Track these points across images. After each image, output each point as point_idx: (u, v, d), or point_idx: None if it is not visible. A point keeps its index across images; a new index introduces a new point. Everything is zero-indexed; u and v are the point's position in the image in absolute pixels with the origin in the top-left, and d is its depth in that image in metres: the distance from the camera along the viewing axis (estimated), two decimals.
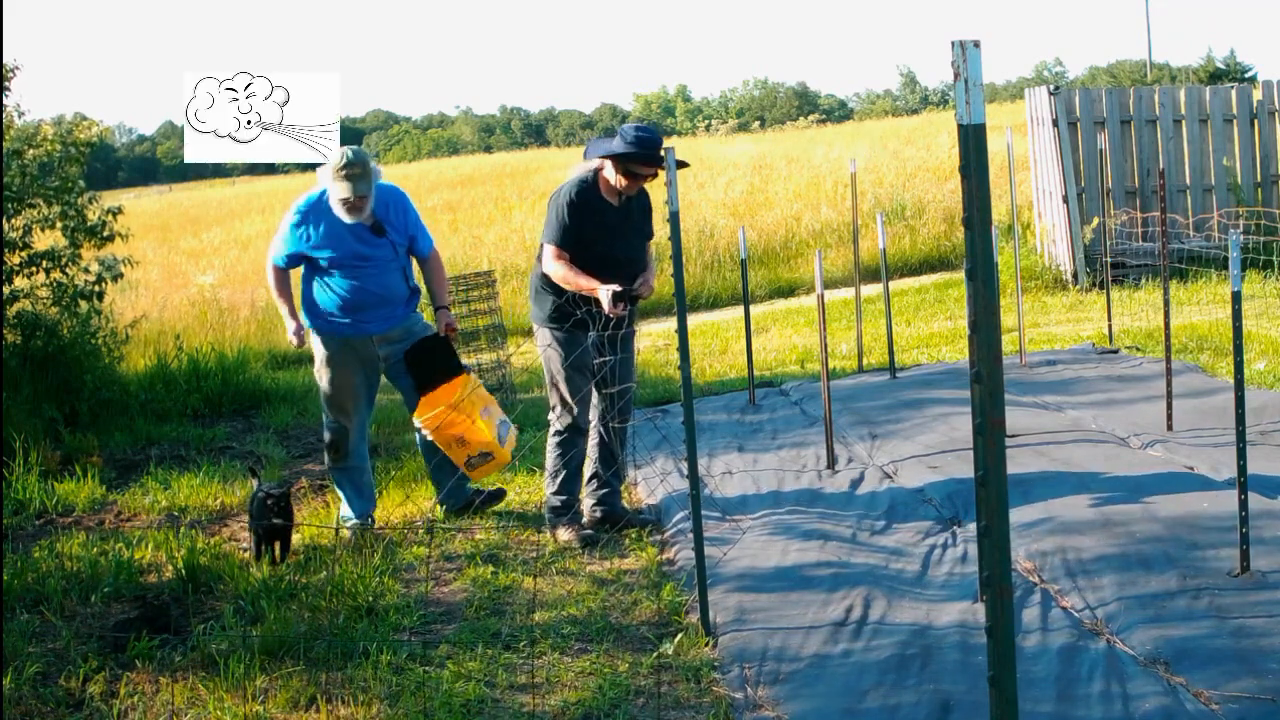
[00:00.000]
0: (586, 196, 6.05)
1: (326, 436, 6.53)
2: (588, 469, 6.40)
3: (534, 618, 4.74)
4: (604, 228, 6.04)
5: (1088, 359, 9.52)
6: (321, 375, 6.45)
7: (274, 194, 35.15)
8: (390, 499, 7.05)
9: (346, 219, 6.15)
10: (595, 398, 6.34)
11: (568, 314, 6.14)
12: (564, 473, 6.25)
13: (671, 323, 13.38)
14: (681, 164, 5.50)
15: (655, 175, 6.04)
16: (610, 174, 6.05)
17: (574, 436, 6.24)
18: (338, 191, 6.12)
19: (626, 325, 6.14)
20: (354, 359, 6.36)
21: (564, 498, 6.26)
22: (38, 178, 9.25)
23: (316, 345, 6.41)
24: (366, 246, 6.25)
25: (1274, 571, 4.71)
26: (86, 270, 9.45)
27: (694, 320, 13.82)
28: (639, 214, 6.27)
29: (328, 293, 6.30)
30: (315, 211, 6.26)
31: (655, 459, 7.52)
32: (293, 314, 6.37)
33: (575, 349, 6.13)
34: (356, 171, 6.11)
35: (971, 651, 4.35)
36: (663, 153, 5.37)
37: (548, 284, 6.12)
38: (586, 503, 6.33)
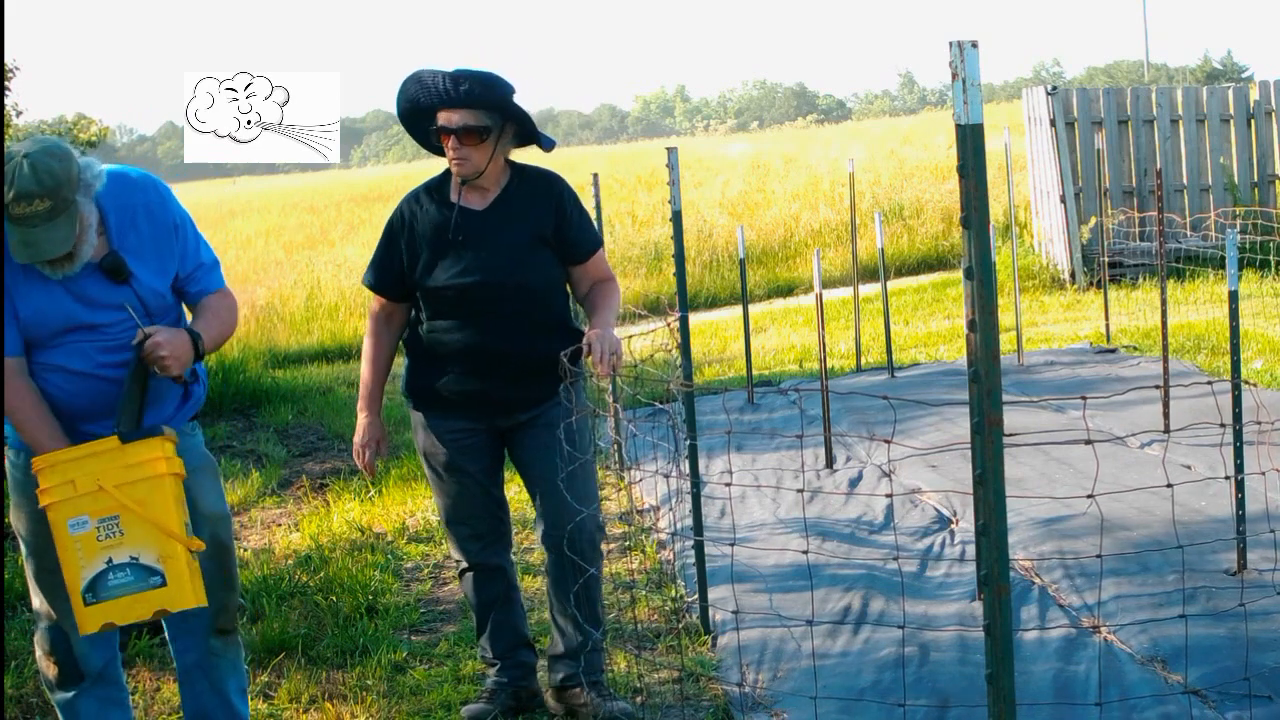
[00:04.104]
0: (422, 203, 4.06)
1: (39, 644, 3.75)
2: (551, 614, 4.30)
3: (532, 617, 4.75)
4: (454, 245, 3.99)
5: (1085, 358, 9.53)
6: (19, 520, 3.62)
7: (274, 194, 35.11)
8: (390, 498, 7.05)
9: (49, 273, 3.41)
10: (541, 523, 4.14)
11: (430, 386, 4.10)
12: (476, 620, 4.32)
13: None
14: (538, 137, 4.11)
15: (481, 136, 3.93)
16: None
17: (471, 575, 4.23)
18: (14, 246, 3.30)
19: (549, 403, 4.05)
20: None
21: (484, 654, 4.32)
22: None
23: (9, 469, 3.62)
24: (94, 307, 3.46)
25: (1270, 570, 4.72)
26: None
27: (693, 319, 13.79)
28: (531, 215, 4.05)
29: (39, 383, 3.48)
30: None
31: (654, 458, 7.52)
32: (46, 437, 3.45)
33: (440, 442, 4.12)
34: (39, 208, 3.23)
35: (969, 650, 4.37)
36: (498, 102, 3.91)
37: (411, 335, 4.18)
38: (549, 675, 4.30)
